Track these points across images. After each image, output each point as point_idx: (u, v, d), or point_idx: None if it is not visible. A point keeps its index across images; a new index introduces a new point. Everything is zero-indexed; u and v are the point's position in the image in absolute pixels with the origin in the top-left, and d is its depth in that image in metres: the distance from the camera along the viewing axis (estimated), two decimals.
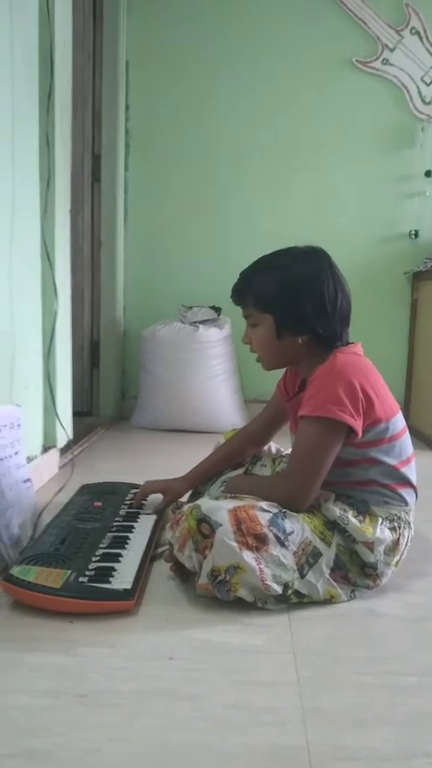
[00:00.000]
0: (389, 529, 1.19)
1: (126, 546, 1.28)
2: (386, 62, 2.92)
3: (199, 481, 1.49)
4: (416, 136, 2.97)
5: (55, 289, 1.88)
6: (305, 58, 2.95)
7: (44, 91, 1.81)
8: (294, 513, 1.15)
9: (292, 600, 1.12)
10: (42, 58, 1.80)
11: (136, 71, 3.00)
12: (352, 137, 2.98)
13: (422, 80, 2.93)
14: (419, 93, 2.94)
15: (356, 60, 2.92)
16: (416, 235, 2.98)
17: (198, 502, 1.16)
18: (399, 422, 1.23)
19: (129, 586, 1.11)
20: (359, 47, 2.93)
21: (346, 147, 2.99)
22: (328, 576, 1.14)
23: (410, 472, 1.24)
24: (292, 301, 1.20)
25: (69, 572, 1.13)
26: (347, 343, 1.27)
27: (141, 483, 1.57)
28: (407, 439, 1.25)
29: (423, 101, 2.94)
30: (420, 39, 2.91)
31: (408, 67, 2.92)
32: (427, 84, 2.93)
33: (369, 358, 1.26)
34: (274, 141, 3.01)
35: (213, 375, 2.77)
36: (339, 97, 2.97)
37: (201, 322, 2.81)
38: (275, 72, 2.97)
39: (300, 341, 1.23)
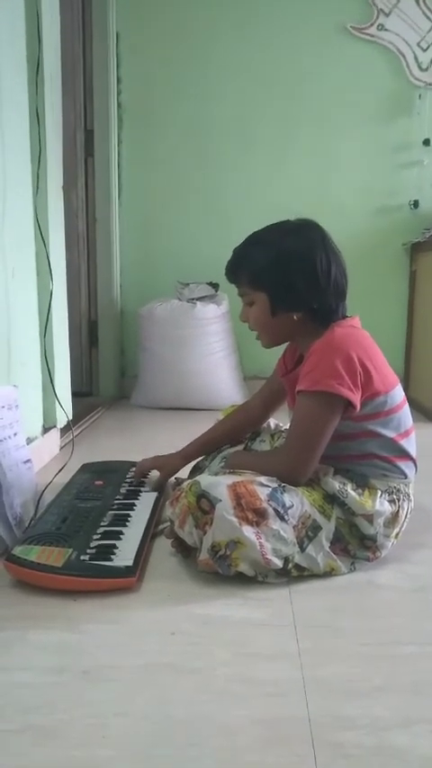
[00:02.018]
0: (388, 501, 1.20)
1: (127, 523, 1.29)
2: (381, 28, 2.85)
3: (195, 456, 1.50)
4: (413, 103, 2.91)
5: (50, 267, 1.86)
6: (299, 25, 2.88)
7: (32, 63, 1.77)
8: (293, 488, 1.15)
9: (292, 573, 1.13)
10: (29, 29, 1.75)
11: (127, 42, 2.93)
12: (348, 106, 2.93)
13: (419, 45, 2.86)
14: (416, 59, 2.87)
15: (351, 27, 2.86)
16: (415, 205, 2.95)
17: (197, 478, 1.16)
18: (398, 394, 1.23)
19: (130, 563, 1.12)
20: (354, 12, 2.86)
21: (343, 117, 2.94)
22: (327, 549, 1.15)
23: (410, 445, 1.24)
24: (285, 277, 1.19)
25: (71, 550, 1.13)
26: (345, 317, 1.25)
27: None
28: (406, 411, 1.25)
29: (420, 67, 2.88)
30: (417, 1, 2.84)
31: (404, 33, 2.85)
32: (424, 50, 2.87)
33: (367, 331, 1.25)
34: (269, 112, 2.95)
35: (212, 352, 2.76)
36: (334, 66, 2.91)
37: (198, 299, 2.79)
38: (269, 41, 2.90)
39: (295, 317, 1.22)
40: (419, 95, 2.90)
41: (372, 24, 2.85)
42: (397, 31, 2.85)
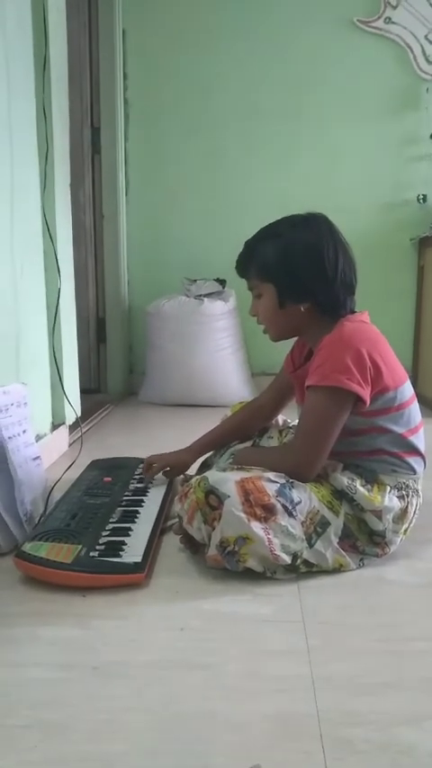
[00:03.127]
0: (397, 497, 1.19)
1: (136, 520, 1.29)
2: (389, 21, 2.83)
3: (204, 452, 1.50)
4: (420, 97, 2.89)
5: (57, 264, 1.86)
6: (306, 19, 2.87)
7: (39, 61, 1.77)
8: (302, 484, 1.15)
9: (301, 569, 1.13)
10: (36, 26, 1.76)
11: (133, 38, 2.94)
12: (355, 100, 2.92)
13: (426, 38, 2.84)
14: (423, 52, 2.85)
15: (358, 20, 2.84)
16: (424, 199, 2.93)
17: (205, 474, 1.16)
18: (407, 390, 1.22)
19: (139, 559, 1.12)
20: (360, 5, 2.84)
21: (350, 112, 2.93)
22: (336, 545, 1.15)
23: (419, 440, 1.24)
24: (292, 268, 1.19)
25: (80, 547, 1.14)
26: (354, 312, 1.25)
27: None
28: (415, 407, 1.24)
29: (427, 60, 2.86)
30: None
31: (411, 25, 2.83)
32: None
33: (376, 326, 1.25)
34: (275, 108, 2.94)
35: (220, 348, 2.76)
36: (341, 60, 2.89)
37: (205, 295, 2.79)
38: (275, 36, 2.89)
39: (302, 309, 1.22)
40: (427, 89, 2.89)
41: (379, 17, 2.84)
42: (404, 23, 2.83)
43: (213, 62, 2.93)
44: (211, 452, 1.53)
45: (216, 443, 1.50)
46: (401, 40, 2.85)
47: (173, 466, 1.50)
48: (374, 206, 2.98)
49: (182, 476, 1.53)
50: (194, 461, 1.51)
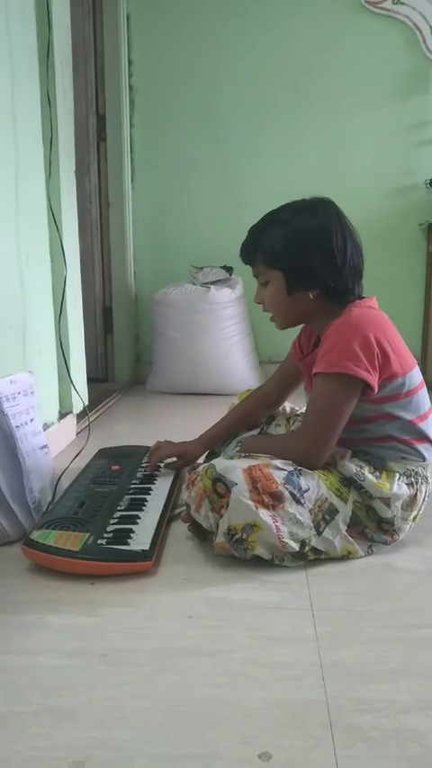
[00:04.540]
0: (406, 484, 1.18)
1: (143, 508, 1.29)
2: (397, 1, 2.78)
3: (213, 443, 1.49)
4: (429, 80, 2.85)
5: (63, 253, 1.85)
6: (312, 1, 2.82)
7: (42, 47, 1.75)
8: (310, 471, 1.15)
9: (309, 557, 1.13)
10: (39, 11, 1.74)
11: (138, 24, 2.90)
12: (363, 84, 2.87)
13: None
14: None
15: (366, 1, 2.79)
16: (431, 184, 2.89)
17: (213, 462, 1.16)
18: (416, 376, 1.21)
19: (147, 547, 1.12)
20: None
21: (357, 96, 2.89)
22: (344, 533, 1.14)
23: (428, 427, 1.22)
24: (300, 255, 1.18)
25: (88, 535, 1.14)
26: (362, 298, 1.24)
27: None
28: (424, 393, 1.23)
29: None
30: None
31: (420, 6, 2.77)
32: None
33: (384, 312, 1.24)
34: (282, 93, 2.91)
35: (227, 336, 2.75)
36: (349, 43, 2.85)
37: (212, 283, 2.78)
38: (281, 20, 2.85)
39: (311, 296, 1.21)
40: None
41: None
42: (413, 4, 2.78)
43: (219, 47, 2.90)
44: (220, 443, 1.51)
45: (225, 433, 1.49)
46: (410, 21, 2.79)
47: (181, 456, 1.49)
48: (383, 191, 2.94)
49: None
50: (203, 454, 1.51)
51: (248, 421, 1.49)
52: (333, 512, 1.14)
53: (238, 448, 1.37)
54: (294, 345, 1.41)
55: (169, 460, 1.52)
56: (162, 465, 1.52)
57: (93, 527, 1.17)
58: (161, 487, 1.41)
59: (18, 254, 1.62)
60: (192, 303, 2.72)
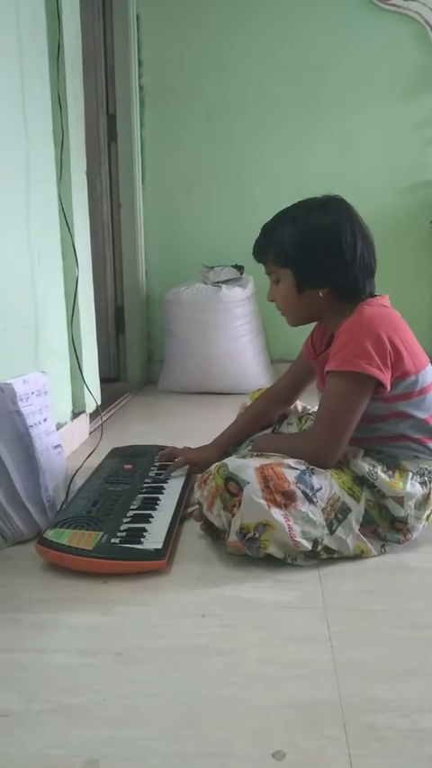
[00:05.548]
0: (419, 483, 1.18)
1: (156, 507, 1.29)
2: None
3: (227, 447, 1.48)
4: None
5: (75, 253, 1.86)
6: None
7: (53, 48, 1.76)
8: (322, 470, 1.15)
9: (321, 556, 1.12)
10: (49, 12, 1.74)
11: (147, 24, 2.90)
12: (372, 81, 2.86)
13: None
14: None
15: None
16: None
17: (225, 461, 1.16)
18: (429, 374, 1.21)
19: (160, 546, 1.12)
20: None
21: (367, 93, 2.87)
22: (357, 532, 1.14)
23: None
24: (310, 253, 1.17)
25: (101, 534, 1.15)
26: (374, 296, 1.23)
27: (169, 445, 1.57)
28: None
29: None
30: None
31: (431, 2, 2.75)
32: None
33: (396, 310, 1.23)
34: (291, 91, 2.90)
35: (238, 335, 2.75)
36: (358, 40, 2.83)
37: (223, 282, 2.77)
38: (290, 17, 2.84)
39: (321, 294, 1.21)
40: None
41: None
42: (424, 0, 2.75)
43: (228, 47, 2.89)
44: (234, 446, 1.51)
45: (239, 435, 1.48)
46: (421, 17, 2.77)
47: (196, 463, 1.48)
48: (392, 189, 2.92)
49: None
50: (218, 458, 1.50)
51: (262, 420, 1.49)
52: (346, 511, 1.13)
53: (251, 447, 1.37)
54: (307, 344, 1.41)
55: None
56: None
57: (106, 526, 1.18)
58: (174, 486, 1.41)
59: (30, 255, 1.63)
60: (203, 302, 2.73)
